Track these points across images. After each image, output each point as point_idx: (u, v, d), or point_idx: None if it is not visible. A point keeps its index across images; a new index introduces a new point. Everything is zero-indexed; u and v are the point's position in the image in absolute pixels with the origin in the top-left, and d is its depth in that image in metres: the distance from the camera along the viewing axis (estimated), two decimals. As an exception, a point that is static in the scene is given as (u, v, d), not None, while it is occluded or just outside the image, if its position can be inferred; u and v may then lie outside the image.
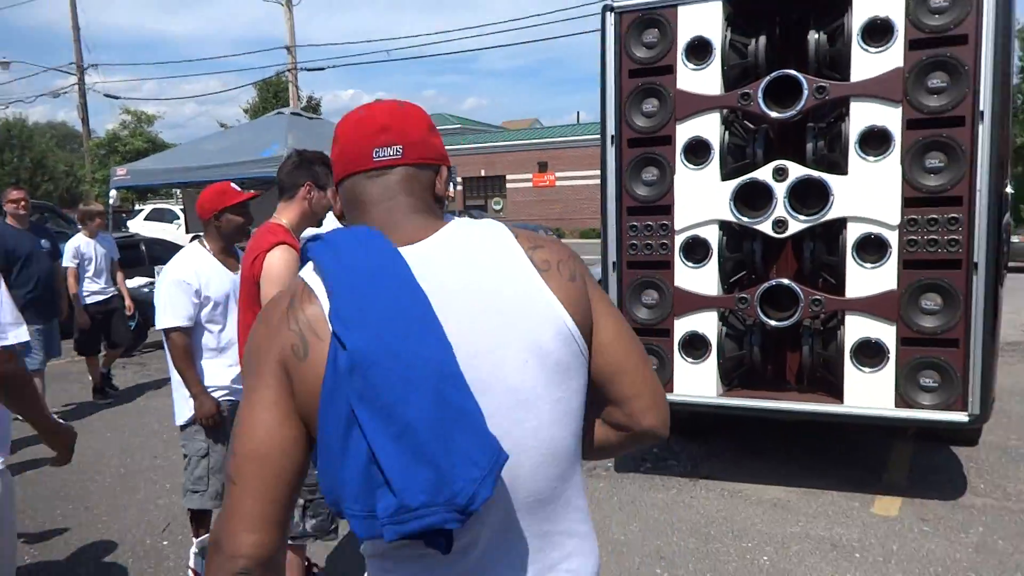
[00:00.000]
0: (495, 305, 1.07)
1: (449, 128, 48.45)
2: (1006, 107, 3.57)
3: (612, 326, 1.17)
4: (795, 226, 3.89)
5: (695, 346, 4.15)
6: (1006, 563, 3.35)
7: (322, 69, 25.29)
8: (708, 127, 4.01)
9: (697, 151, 4.04)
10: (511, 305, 1.07)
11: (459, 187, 38.51)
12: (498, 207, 38.88)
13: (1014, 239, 13.48)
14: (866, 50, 3.70)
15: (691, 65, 4.00)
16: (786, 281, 3.96)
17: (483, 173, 38.91)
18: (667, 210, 4.13)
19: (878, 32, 3.68)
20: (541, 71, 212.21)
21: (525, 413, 1.07)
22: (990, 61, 3.49)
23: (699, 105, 4.00)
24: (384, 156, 1.15)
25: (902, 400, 3.73)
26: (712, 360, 4.11)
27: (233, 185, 3.13)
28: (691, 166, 4.05)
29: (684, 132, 4.05)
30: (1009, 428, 5.10)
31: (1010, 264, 5.05)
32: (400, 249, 1.08)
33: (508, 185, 38.32)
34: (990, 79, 3.50)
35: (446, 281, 1.06)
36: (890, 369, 3.75)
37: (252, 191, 3.31)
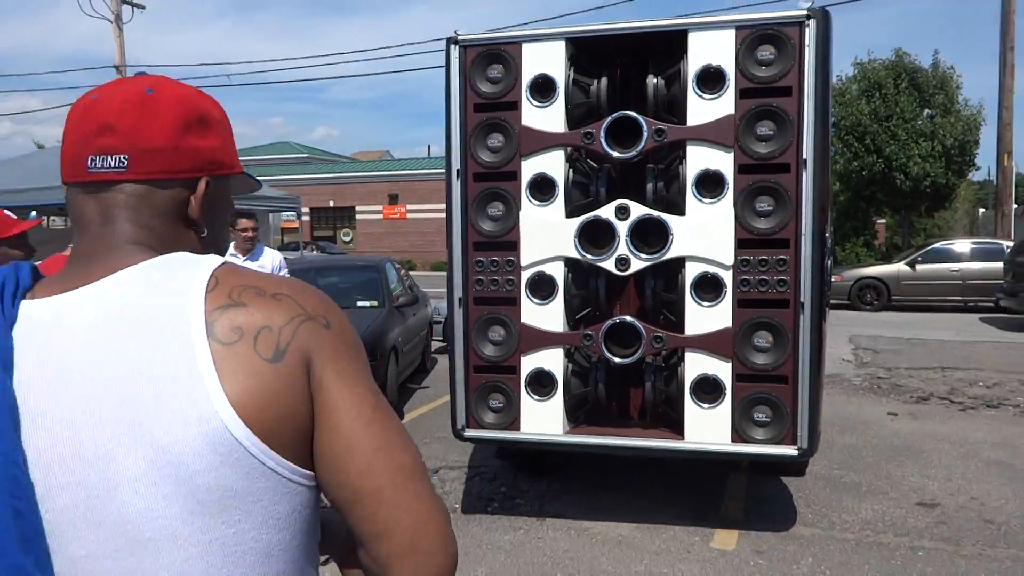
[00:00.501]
0: (119, 397, 0.75)
1: (296, 157, 47.18)
2: (826, 156, 3.79)
3: (348, 428, 0.80)
4: (637, 264, 3.95)
5: (541, 383, 4.10)
6: (834, 591, 3.48)
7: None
8: (552, 164, 4.01)
9: (542, 188, 4.03)
10: (143, 401, 0.74)
11: (305, 218, 37.45)
12: (347, 239, 38.15)
13: (833, 279, 14.61)
14: (701, 96, 3.83)
15: (535, 102, 4.00)
16: (629, 318, 4.00)
17: (332, 204, 38.09)
18: (513, 246, 4.08)
19: (711, 80, 3.82)
20: (393, 104, 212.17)
21: (145, 559, 0.74)
22: (812, 112, 3.70)
23: (543, 142, 4.00)
24: (101, 168, 0.84)
25: (737, 435, 3.83)
26: (558, 397, 4.07)
27: (7, 213, 2.73)
28: (536, 202, 4.03)
29: (529, 168, 4.03)
30: (832, 458, 5.40)
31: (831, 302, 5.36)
32: (38, 302, 0.80)
33: (358, 216, 37.70)
34: (812, 129, 3.71)
35: (69, 353, 0.77)
36: (726, 405, 3.85)
37: (32, 219, 2.93)
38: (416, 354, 8.02)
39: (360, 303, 7.40)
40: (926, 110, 21.72)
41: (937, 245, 16.26)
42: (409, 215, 36.20)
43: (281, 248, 24.19)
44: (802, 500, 4.60)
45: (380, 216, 37.24)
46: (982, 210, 34.95)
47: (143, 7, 23.77)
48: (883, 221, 27.69)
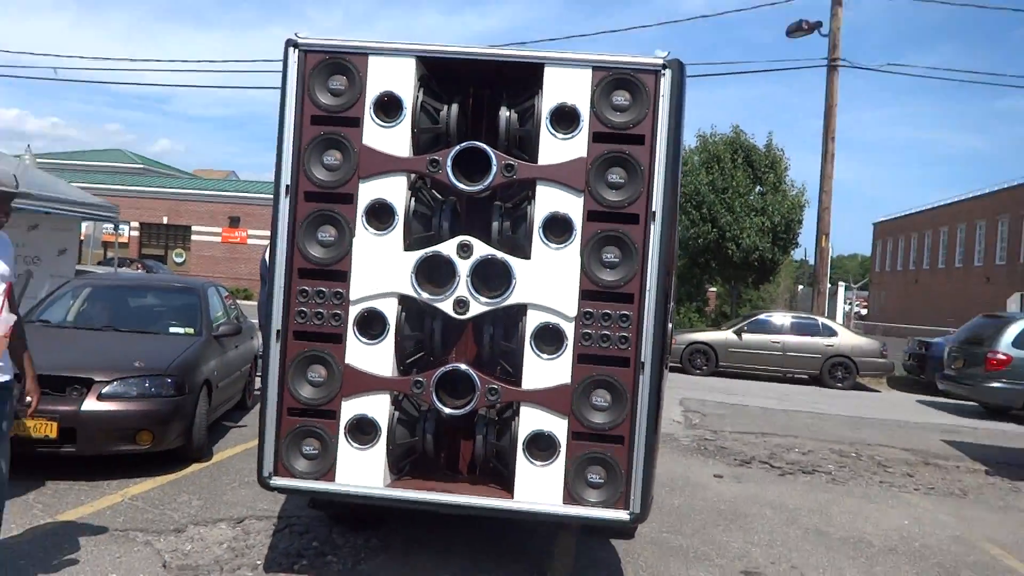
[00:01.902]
0: None
1: (131, 167, 44.22)
2: (674, 211, 3.69)
3: None
4: (476, 308, 3.66)
5: (363, 431, 3.70)
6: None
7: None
8: (393, 190, 3.68)
9: (380, 215, 3.69)
10: None
11: (134, 232, 34.93)
12: (180, 260, 35.88)
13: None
14: (553, 135, 3.65)
15: (379, 121, 3.68)
16: (463, 367, 3.69)
17: (165, 220, 35.79)
18: (343, 276, 3.69)
19: (565, 119, 3.65)
20: (244, 124, 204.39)
21: None
22: (663, 164, 3.60)
23: (385, 165, 3.67)
24: None
25: (569, 496, 3.58)
26: (381, 447, 3.68)
27: None
28: (373, 230, 3.68)
29: (367, 192, 3.68)
30: (662, 521, 5.29)
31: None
32: None
33: (194, 237, 35.60)
34: (662, 181, 3.60)
35: None
36: (560, 463, 3.60)
37: None
38: (236, 390, 7.33)
39: (173, 329, 6.67)
40: (758, 186, 23.30)
41: (761, 316, 17.20)
42: (250, 240, 34.55)
43: (101, 264, 22.21)
44: (630, 566, 4.41)
45: (218, 239, 35.33)
46: (800, 287, 37.88)
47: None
48: (714, 289, 29.31)
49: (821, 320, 16.97)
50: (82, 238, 15.06)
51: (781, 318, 16.90)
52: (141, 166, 44.41)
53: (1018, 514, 6.44)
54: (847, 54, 20.09)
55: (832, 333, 16.28)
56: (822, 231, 19.74)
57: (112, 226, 13.85)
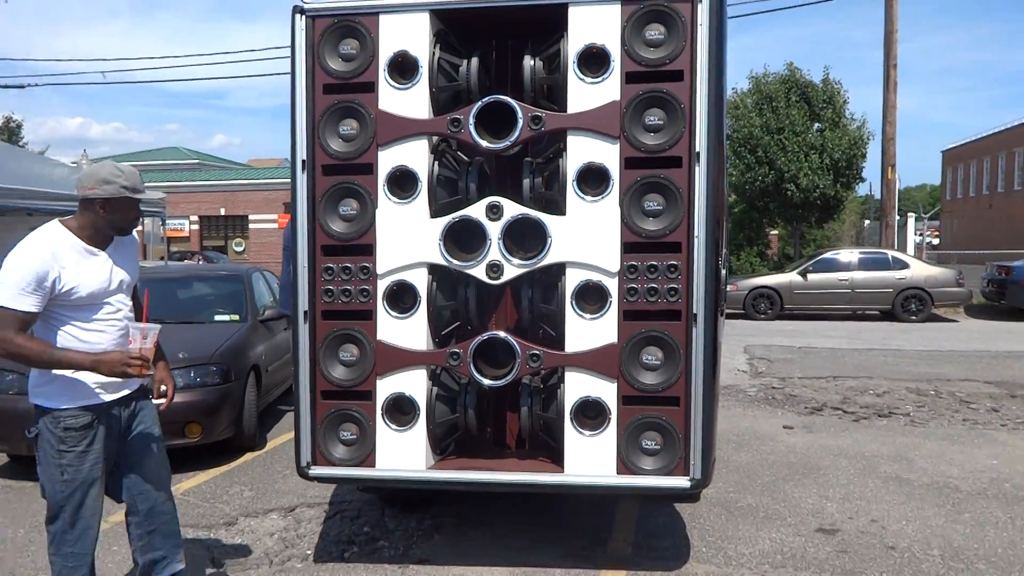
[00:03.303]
0: None
1: (186, 163, 45.12)
2: (720, 150, 3.37)
3: None
4: (511, 271, 3.43)
5: (402, 411, 3.53)
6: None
7: (22, 87, 22.19)
8: (415, 155, 3.46)
9: (402, 183, 3.47)
10: None
11: (194, 226, 35.67)
12: (239, 248, 36.49)
13: (728, 288, 14.68)
14: (583, 80, 3.36)
15: (395, 84, 3.45)
16: (501, 334, 3.48)
17: (223, 212, 36.37)
18: (368, 250, 3.50)
19: (594, 62, 3.36)
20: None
21: None
22: (705, 100, 3.28)
23: (404, 130, 3.44)
24: None
25: (623, 466, 3.36)
26: (421, 427, 3.51)
27: None
28: (396, 200, 3.47)
29: (387, 160, 3.46)
30: (728, 480, 5.04)
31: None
32: None
33: (251, 225, 36.10)
34: (705, 119, 3.29)
35: None
36: (611, 432, 3.37)
37: None
38: (287, 373, 7.27)
39: (218, 317, 6.62)
40: (816, 124, 22.30)
41: (827, 255, 16.55)
42: (304, 223, 34.91)
43: (162, 259, 22.70)
44: (696, 531, 4.18)
45: (275, 226, 35.75)
46: (867, 221, 36.52)
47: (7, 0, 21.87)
48: (775, 232, 28.37)
49: (891, 253, 16.26)
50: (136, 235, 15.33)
51: (848, 255, 16.23)
52: (196, 161, 45.15)
53: (1121, 447, 5.97)
54: (902, -28, 18.93)
55: (903, 265, 15.57)
56: (887, 163, 18.85)
57: (161, 220, 13.95)
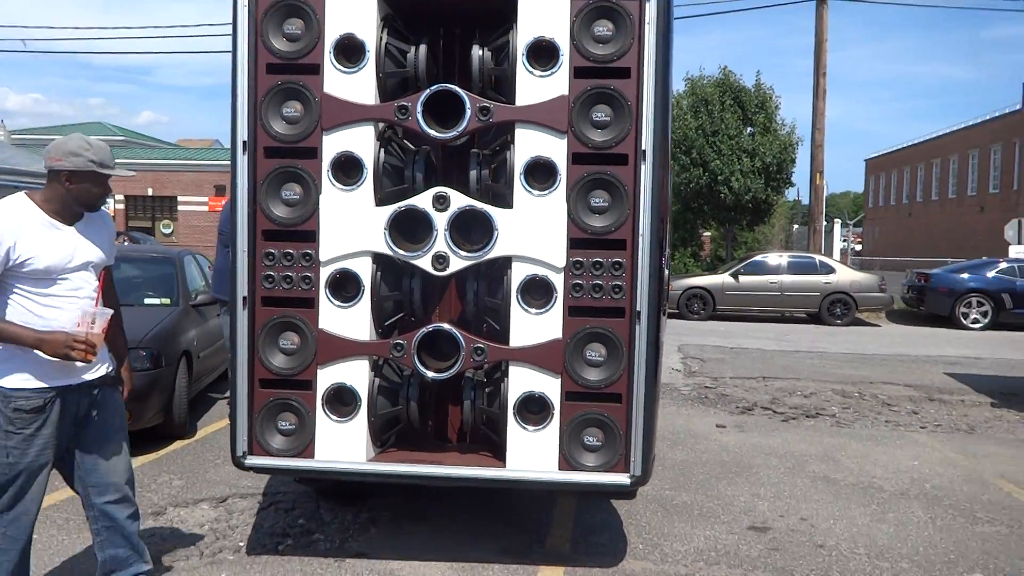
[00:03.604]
0: None
1: (111, 139, 43.43)
2: (666, 148, 3.40)
3: None
4: (457, 263, 3.39)
5: (343, 401, 3.46)
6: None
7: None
8: (360, 141, 3.38)
9: (347, 168, 3.40)
10: None
11: (119, 205, 34.42)
12: (167, 231, 35.39)
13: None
14: (531, 72, 3.34)
15: (341, 67, 3.36)
16: (446, 326, 3.44)
17: (151, 192, 35.21)
18: (311, 236, 3.41)
19: (543, 54, 3.34)
20: (227, 92, 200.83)
21: None
22: (652, 98, 3.30)
23: (350, 115, 3.36)
24: None
25: (565, 461, 3.37)
26: (362, 418, 3.44)
27: None
28: (340, 186, 3.39)
29: (332, 145, 3.38)
30: (664, 476, 5.10)
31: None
32: None
33: (180, 207, 35.05)
34: (652, 117, 3.31)
35: None
36: (554, 427, 3.37)
37: None
38: (219, 360, 7.07)
39: (148, 300, 6.39)
40: (748, 128, 22.85)
41: (757, 257, 16.99)
42: (237, 209, 34.07)
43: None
44: (633, 527, 4.22)
45: (205, 208, 34.78)
46: (795, 226, 37.63)
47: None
48: (708, 233, 29.00)
49: (818, 258, 16.78)
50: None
51: (777, 258, 16.68)
52: (122, 138, 43.56)
53: (1029, 448, 6.28)
54: (836, -15, 19.54)
55: (830, 270, 16.08)
56: (816, 169, 19.43)
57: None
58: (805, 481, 5.19)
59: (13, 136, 34.18)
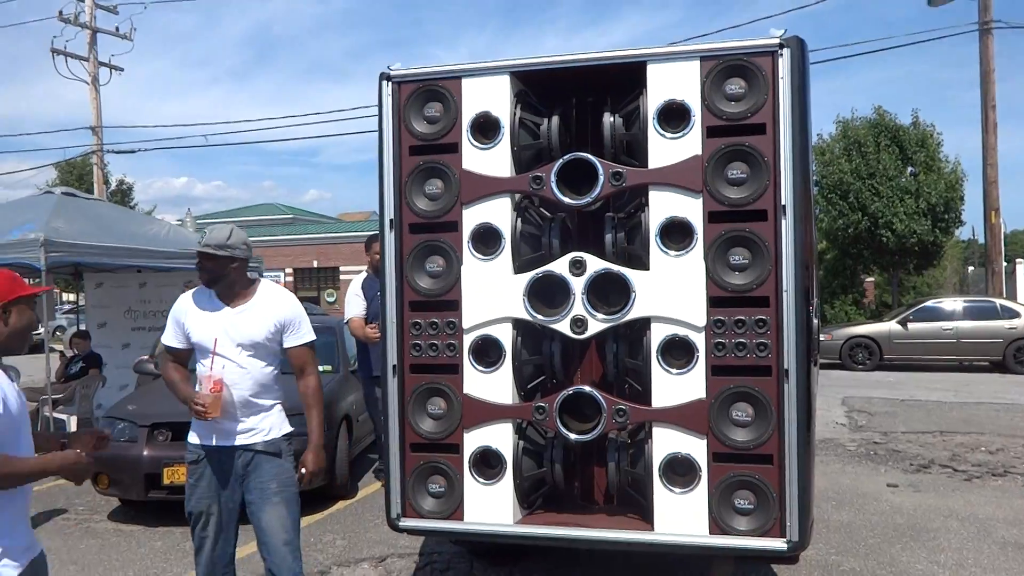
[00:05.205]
0: None
1: (280, 218, 47.02)
2: (807, 201, 3.32)
3: None
4: (595, 326, 3.43)
5: (488, 464, 3.55)
6: None
7: (133, 151, 23.83)
8: (498, 213, 3.53)
9: (486, 239, 3.55)
10: None
11: (288, 278, 37.06)
12: (331, 299, 37.60)
13: (821, 337, 14.17)
14: (663, 135, 3.38)
15: (478, 144, 3.55)
16: (587, 388, 3.47)
17: (316, 264, 37.70)
18: (454, 305, 3.57)
19: (674, 117, 3.38)
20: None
21: None
22: (789, 152, 3.25)
23: (487, 188, 3.53)
24: None
25: (716, 525, 3.27)
26: (508, 480, 3.51)
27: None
28: (480, 256, 3.54)
29: (472, 218, 3.55)
30: (828, 540, 4.82)
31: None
32: None
33: (342, 276, 37.24)
34: (790, 171, 3.25)
35: None
36: (703, 489, 3.29)
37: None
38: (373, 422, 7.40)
39: (312, 369, 6.81)
40: (908, 167, 21.58)
41: (929, 303, 15.88)
42: (393, 276, 35.75)
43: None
44: (794, 596, 4.01)
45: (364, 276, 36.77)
46: (971, 268, 34.81)
47: (121, 69, 23.63)
48: (871, 279, 27.37)
49: (999, 301, 15.45)
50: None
51: (952, 303, 15.52)
52: (290, 216, 47.09)
53: None
54: (1000, 14, 18.40)
55: (1014, 314, 14.76)
56: (990, 206, 18.04)
57: (258, 274, 14.53)
58: (993, 548, 4.73)
59: (198, 221, 37.76)
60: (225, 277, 3.25)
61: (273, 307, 3.32)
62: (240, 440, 3.22)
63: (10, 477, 2.12)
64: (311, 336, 3.39)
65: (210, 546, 3.26)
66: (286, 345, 3.33)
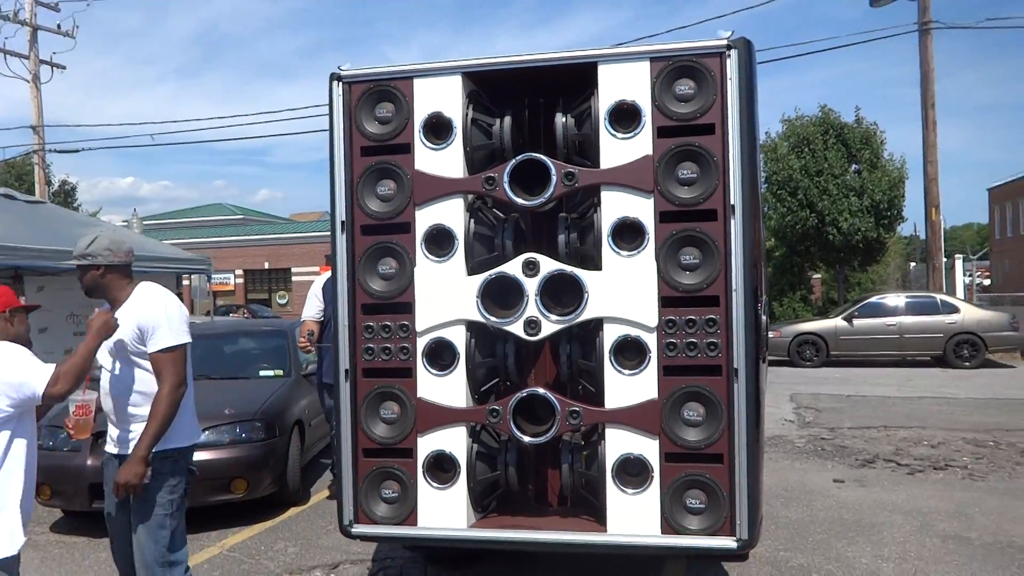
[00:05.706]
0: None
1: (230, 219, 46.20)
2: (755, 201, 3.36)
3: None
4: (548, 327, 3.43)
5: (442, 468, 3.51)
6: None
7: (76, 151, 23.14)
8: (451, 214, 3.50)
9: (439, 241, 3.52)
10: None
11: (239, 280, 36.43)
12: (283, 301, 37.09)
13: (770, 334, 14.40)
14: (614, 136, 3.39)
15: (430, 144, 3.51)
16: (541, 390, 3.46)
17: (267, 265, 37.14)
18: (407, 308, 3.53)
19: (626, 117, 3.39)
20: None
21: None
22: (737, 153, 3.28)
23: (440, 189, 3.50)
24: None
25: (668, 525, 3.29)
26: (462, 484, 3.48)
27: None
28: (433, 258, 3.51)
29: (424, 219, 3.51)
30: (777, 536, 4.89)
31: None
32: None
33: (294, 278, 36.75)
34: (739, 171, 3.29)
35: None
36: (655, 490, 3.31)
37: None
38: (328, 428, 7.31)
39: (263, 372, 6.71)
40: (853, 165, 22.10)
41: (873, 299, 16.27)
42: (346, 276, 35.40)
43: (208, 313, 23.16)
44: (746, 592, 4.06)
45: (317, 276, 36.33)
46: (912, 264, 35.83)
47: (63, 67, 22.95)
48: (818, 276, 27.98)
49: (940, 296, 15.93)
50: (181, 290, 15.67)
51: (895, 299, 15.93)
52: (240, 217, 46.28)
53: None
54: (938, 15, 18.94)
55: (953, 309, 15.20)
56: (931, 203, 18.55)
57: (207, 276, 14.28)
58: (935, 541, 4.86)
59: (144, 222, 36.89)
60: (98, 286, 3.19)
61: (135, 310, 3.13)
62: (110, 448, 3.26)
63: (78, 374, 2.80)
64: (169, 342, 3.09)
65: (111, 548, 3.36)
66: (147, 350, 3.10)
